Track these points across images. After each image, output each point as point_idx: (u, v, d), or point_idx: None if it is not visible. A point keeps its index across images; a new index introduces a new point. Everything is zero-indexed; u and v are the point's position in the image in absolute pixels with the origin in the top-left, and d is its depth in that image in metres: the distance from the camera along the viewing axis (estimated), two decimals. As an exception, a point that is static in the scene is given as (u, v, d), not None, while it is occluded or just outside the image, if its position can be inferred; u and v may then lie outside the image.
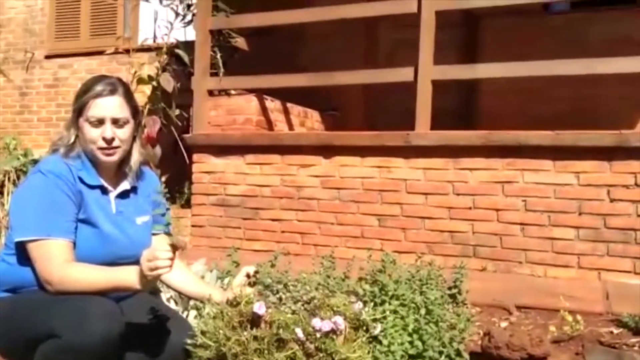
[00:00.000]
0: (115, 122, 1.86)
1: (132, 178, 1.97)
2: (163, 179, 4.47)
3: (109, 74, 2.04)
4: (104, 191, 1.91)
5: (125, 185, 1.96)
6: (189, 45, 4.81)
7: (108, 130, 1.84)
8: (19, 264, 1.80)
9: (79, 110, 1.86)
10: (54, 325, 1.62)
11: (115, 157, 1.88)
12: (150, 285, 1.73)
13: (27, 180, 1.87)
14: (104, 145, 1.85)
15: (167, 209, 2.13)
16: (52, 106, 6.88)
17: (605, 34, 5.06)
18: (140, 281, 1.67)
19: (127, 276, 1.70)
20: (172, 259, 1.64)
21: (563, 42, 5.13)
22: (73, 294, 1.69)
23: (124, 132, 1.88)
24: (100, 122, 1.84)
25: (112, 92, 1.86)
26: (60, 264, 1.72)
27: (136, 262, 1.97)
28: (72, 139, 1.87)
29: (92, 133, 1.84)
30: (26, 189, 1.84)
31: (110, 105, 1.85)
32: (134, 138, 1.94)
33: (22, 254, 1.79)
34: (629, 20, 5.09)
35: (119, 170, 1.95)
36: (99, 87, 1.85)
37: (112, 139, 1.85)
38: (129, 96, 1.92)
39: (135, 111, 1.92)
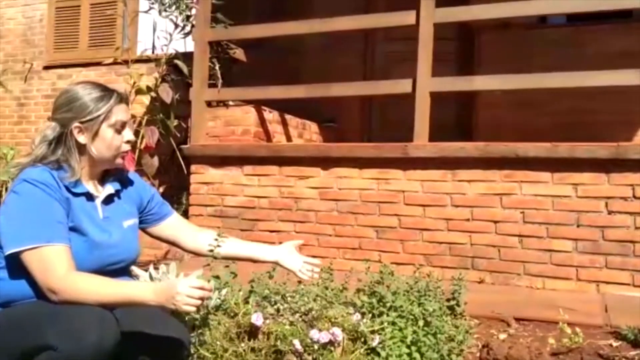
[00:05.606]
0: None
1: (115, 182, 1.96)
2: (161, 189, 4.46)
3: (108, 85, 2.03)
4: (90, 198, 1.87)
5: (109, 189, 1.93)
6: (187, 57, 4.82)
7: (131, 133, 1.88)
8: (11, 277, 1.74)
9: (104, 116, 1.81)
10: (48, 337, 1.59)
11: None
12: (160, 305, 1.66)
13: (12, 191, 1.78)
14: (128, 148, 1.89)
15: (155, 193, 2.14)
16: (50, 117, 6.88)
17: (601, 47, 5.10)
18: (156, 299, 1.63)
19: (140, 293, 1.66)
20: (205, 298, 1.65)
21: (559, 55, 5.16)
22: (72, 304, 1.65)
23: None
24: (123, 126, 1.87)
25: (122, 97, 1.89)
26: (64, 272, 1.67)
27: (125, 267, 1.94)
28: (75, 153, 1.82)
29: (116, 140, 1.85)
30: (15, 199, 1.75)
31: (126, 110, 1.89)
32: None
33: (14, 266, 1.72)
34: (625, 33, 5.12)
35: (104, 176, 1.94)
36: (114, 93, 1.86)
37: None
38: None
39: None
